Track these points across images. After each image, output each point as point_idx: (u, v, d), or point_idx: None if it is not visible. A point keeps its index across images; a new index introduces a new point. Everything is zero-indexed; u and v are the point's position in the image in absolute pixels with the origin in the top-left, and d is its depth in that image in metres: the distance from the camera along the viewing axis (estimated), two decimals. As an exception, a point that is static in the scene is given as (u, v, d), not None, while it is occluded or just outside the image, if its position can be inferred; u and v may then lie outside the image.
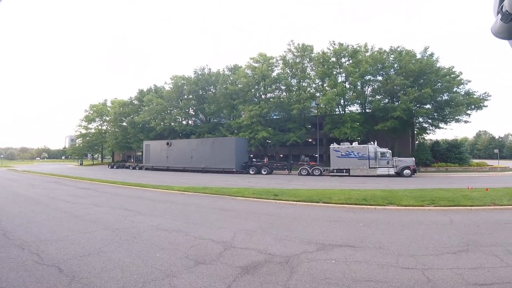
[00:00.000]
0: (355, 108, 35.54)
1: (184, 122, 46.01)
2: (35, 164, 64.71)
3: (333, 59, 33.96)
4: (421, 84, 29.16)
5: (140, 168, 37.77)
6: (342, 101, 33.79)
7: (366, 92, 34.24)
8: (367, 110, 34.24)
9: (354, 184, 16.89)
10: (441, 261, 4.35)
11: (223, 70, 43.79)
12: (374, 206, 8.88)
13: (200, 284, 3.55)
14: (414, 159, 24.53)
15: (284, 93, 37.55)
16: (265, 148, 37.77)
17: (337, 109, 34.47)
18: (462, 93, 29.62)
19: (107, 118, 59.97)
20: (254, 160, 32.62)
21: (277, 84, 36.87)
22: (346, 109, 34.75)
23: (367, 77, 32.95)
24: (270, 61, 37.12)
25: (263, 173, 27.59)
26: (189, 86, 43.21)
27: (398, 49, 31.34)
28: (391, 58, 31.66)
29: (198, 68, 45.20)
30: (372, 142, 24.71)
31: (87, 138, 60.76)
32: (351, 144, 25.45)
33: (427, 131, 33.42)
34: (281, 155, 41.85)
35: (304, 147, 39.18)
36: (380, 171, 23.11)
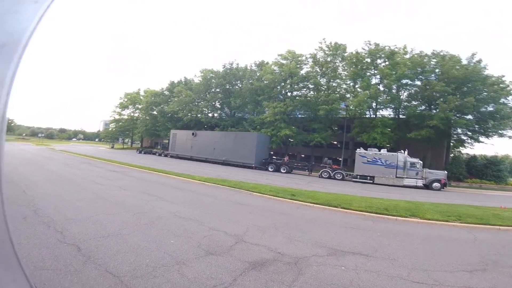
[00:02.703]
0: (387, 112, 33.86)
1: (210, 115, 47.25)
2: (71, 144, 69.74)
3: (368, 59, 32.55)
4: (464, 92, 26.95)
5: (166, 155, 39.43)
6: (374, 104, 32.39)
7: (401, 97, 32.44)
8: (400, 116, 32.49)
9: (377, 192, 16.23)
10: (454, 278, 4.14)
11: (251, 66, 44.12)
12: (395, 217, 8.49)
13: (207, 274, 3.66)
14: (446, 172, 22.96)
15: (311, 92, 36.80)
16: (287, 147, 37.43)
17: (367, 113, 33.14)
18: (511, 105, 26.97)
19: (139, 106, 63.24)
20: (274, 157, 32.50)
21: (305, 83, 36.24)
22: (377, 113, 33.25)
23: (404, 81, 31.12)
24: (299, 58, 36.53)
25: (282, 171, 27.40)
26: (217, 80, 44.18)
27: (441, 53, 29.18)
28: (432, 62, 29.63)
29: (227, 63, 46.22)
30: (402, 151, 23.51)
31: (120, 123, 64.69)
32: (379, 150, 24.40)
33: (465, 144, 30.90)
34: (303, 155, 41.21)
35: (328, 149, 38.22)
36: (407, 181, 21.94)
